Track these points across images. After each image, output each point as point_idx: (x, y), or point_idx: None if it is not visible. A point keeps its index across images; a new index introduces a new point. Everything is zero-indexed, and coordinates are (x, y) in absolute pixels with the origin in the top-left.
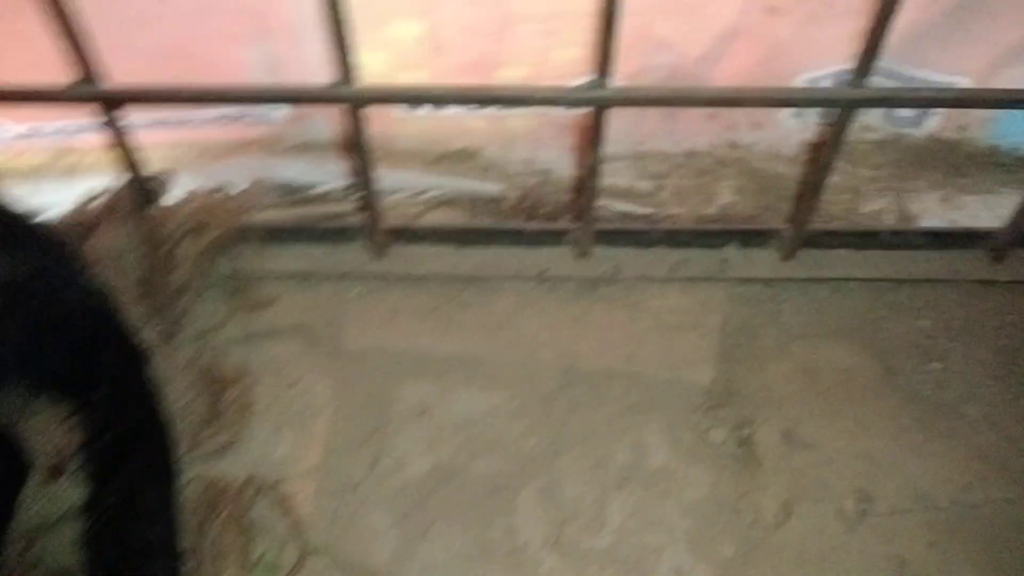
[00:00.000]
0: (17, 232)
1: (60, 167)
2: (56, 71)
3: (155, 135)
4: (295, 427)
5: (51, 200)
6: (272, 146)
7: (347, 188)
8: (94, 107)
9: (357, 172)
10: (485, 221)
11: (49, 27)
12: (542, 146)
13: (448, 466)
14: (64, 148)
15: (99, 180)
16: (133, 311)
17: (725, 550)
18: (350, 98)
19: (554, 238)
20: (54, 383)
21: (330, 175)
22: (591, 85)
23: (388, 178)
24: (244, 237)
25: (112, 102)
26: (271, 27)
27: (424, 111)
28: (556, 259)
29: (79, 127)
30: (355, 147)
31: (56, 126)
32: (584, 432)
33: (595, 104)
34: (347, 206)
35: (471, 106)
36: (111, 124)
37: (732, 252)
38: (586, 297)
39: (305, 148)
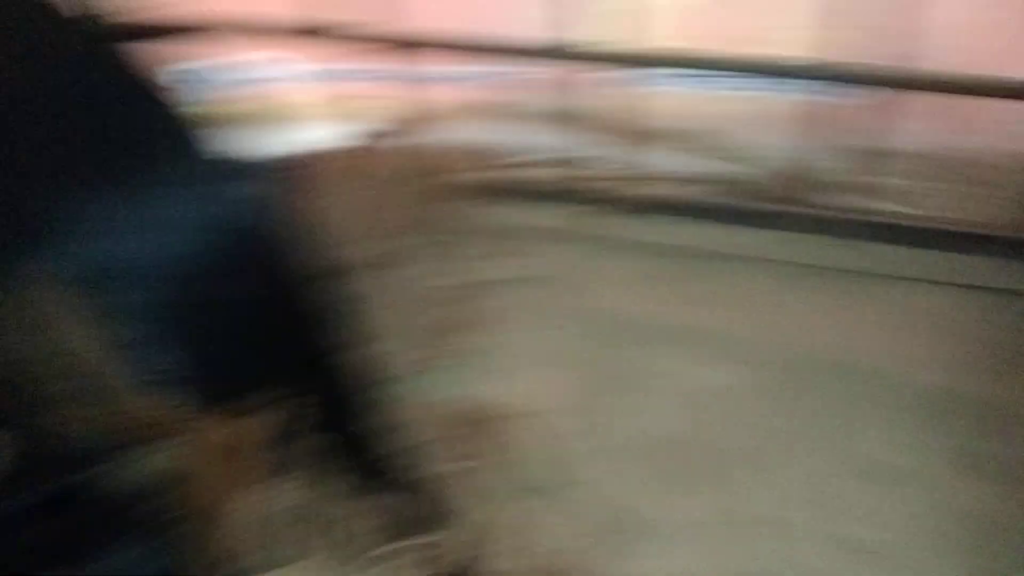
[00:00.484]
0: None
1: (332, 111)
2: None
3: (438, 88)
4: (544, 368)
5: (315, 138)
6: (535, 113)
7: (605, 159)
8: (390, 50)
9: (617, 147)
10: (735, 200)
11: None
12: (797, 133)
13: (692, 431)
14: (342, 93)
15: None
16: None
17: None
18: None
19: (806, 224)
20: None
21: (590, 146)
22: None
23: (645, 155)
24: (510, 191)
25: (407, 46)
26: None
27: (681, 88)
28: (806, 246)
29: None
30: (619, 124)
31: (341, 67)
32: (825, 418)
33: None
34: (602, 174)
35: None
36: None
37: (988, 259)
38: (833, 287)
39: (568, 118)
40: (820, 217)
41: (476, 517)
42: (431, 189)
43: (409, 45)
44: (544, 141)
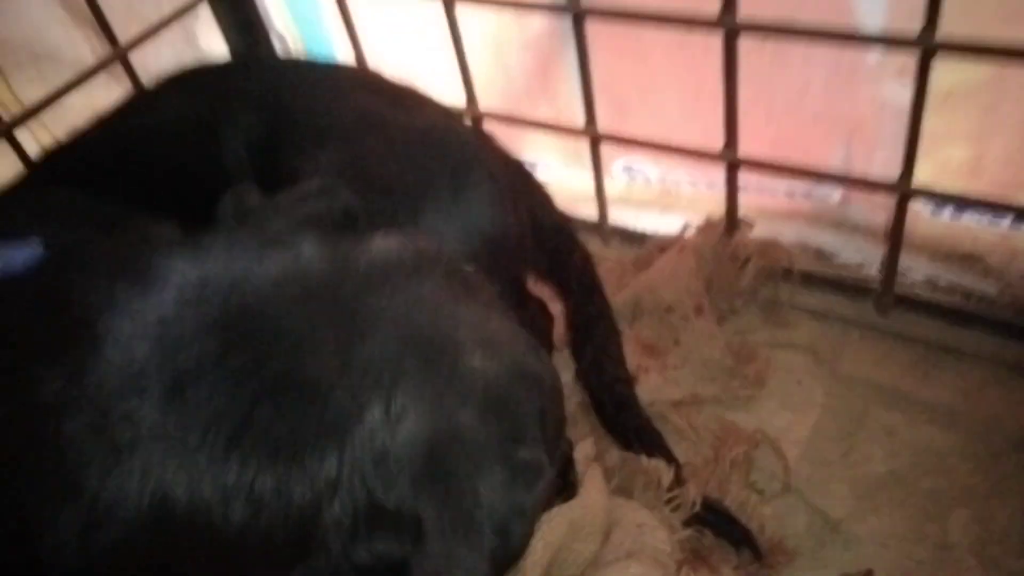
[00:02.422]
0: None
1: (661, 204)
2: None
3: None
4: (793, 410)
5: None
6: (819, 221)
7: (870, 262)
8: (721, 168)
9: (887, 258)
10: (975, 308)
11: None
12: None
13: (901, 473)
14: (671, 191)
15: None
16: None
17: None
18: (905, 191)
19: None
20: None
21: (859, 251)
22: None
23: (905, 262)
24: (783, 275)
25: (736, 166)
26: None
27: (947, 215)
28: None
29: (687, 179)
30: (892, 235)
31: (678, 174)
32: None
33: None
34: (866, 272)
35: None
36: (729, 183)
37: None
38: None
39: (845, 226)
40: None
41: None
42: (735, 269)
43: (743, 163)
44: (843, 246)
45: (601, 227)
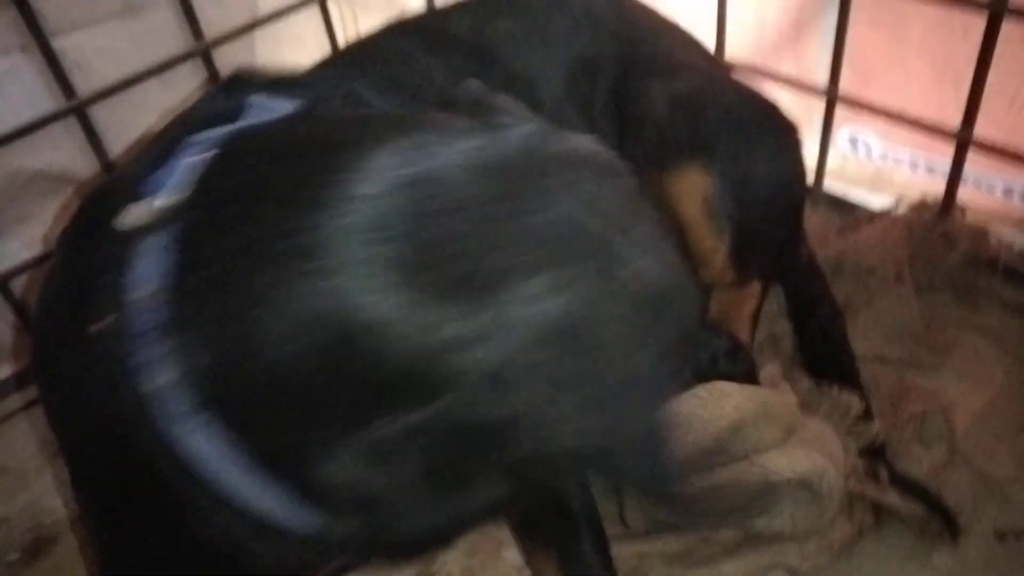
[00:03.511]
0: None
1: (875, 183)
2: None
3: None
4: (971, 384)
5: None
6: None
7: None
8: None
9: None
10: None
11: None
12: None
13: None
14: (886, 171)
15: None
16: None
17: None
18: None
19: None
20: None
21: None
22: None
23: None
24: (987, 264)
25: (967, 144)
26: None
27: None
28: None
29: (909, 160)
30: None
31: (901, 153)
32: None
33: None
34: None
35: None
36: (955, 162)
37: None
38: None
39: None
40: None
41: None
42: (943, 247)
43: (972, 145)
44: None
45: (815, 191)
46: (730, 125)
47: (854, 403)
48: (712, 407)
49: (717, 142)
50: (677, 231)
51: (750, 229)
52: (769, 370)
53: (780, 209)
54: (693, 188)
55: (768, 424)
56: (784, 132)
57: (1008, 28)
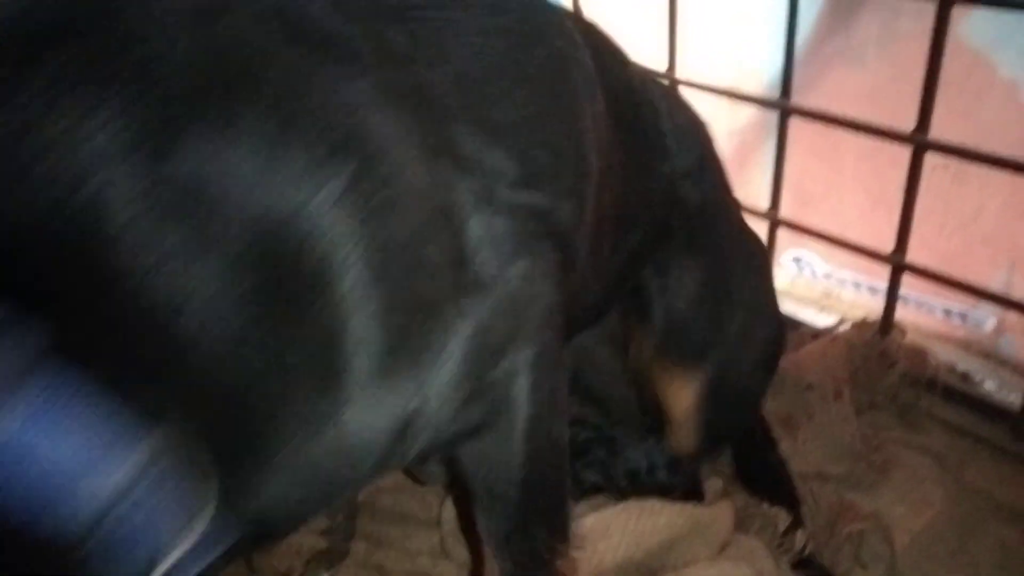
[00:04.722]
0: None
1: (821, 303)
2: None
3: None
4: (911, 505)
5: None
6: (970, 347)
7: (1015, 392)
8: (890, 272)
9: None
10: None
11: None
12: None
13: None
14: (830, 292)
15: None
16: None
17: None
18: None
19: None
20: None
21: (1005, 384)
22: None
23: None
24: (926, 385)
25: (901, 269)
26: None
27: None
28: None
29: (852, 281)
30: None
31: (841, 275)
32: None
33: None
34: (1009, 400)
35: None
36: (892, 289)
37: None
38: None
39: (995, 357)
40: None
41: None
42: (882, 367)
43: (906, 269)
44: (990, 374)
45: None
46: (740, 333)
47: (781, 516)
48: (643, 521)
49: (722, 351)
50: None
51: (727, 421)
52: (714, 484)
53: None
54: (686, 391)
55: (701, 541)
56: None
57: (934, 158)
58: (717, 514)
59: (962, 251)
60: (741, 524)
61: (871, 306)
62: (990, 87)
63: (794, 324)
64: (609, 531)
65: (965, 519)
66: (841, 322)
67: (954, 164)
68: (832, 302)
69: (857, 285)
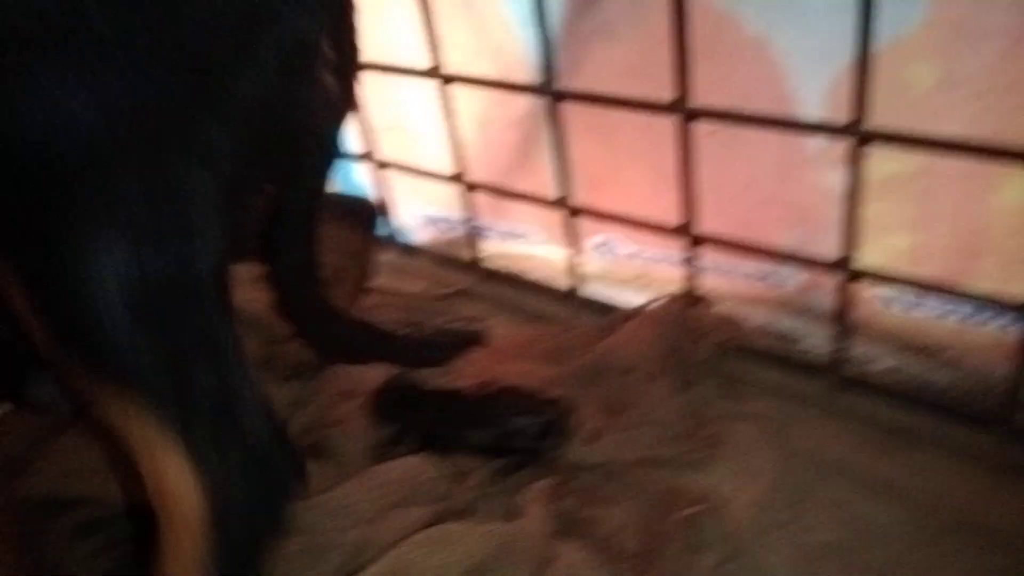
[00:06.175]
0: None
1: (636, 283)
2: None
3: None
4: (742, 477)
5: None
6: (781, 306)
7: (830, 346)
8: (685, 245)
9: (837, 338)
10: (928, 395)
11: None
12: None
13: (844, 544)
14: (643, 271)
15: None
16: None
17: None
18: (852, 273)
19: (986, 427)
20: None
21: (822, 338)
22: None
23: (868, 352)
24: (740, 352)
25: (692, 241)
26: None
27: (899, 309)
28: (985, 442)
29: (661, 257)
30: (838, 317)
31: (649, 253)
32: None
33: None
34: (821, 355)
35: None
36: (688, 261)
37: None
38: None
39: (805, 312)
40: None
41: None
42: (693, 342)
43: (701, 240)
44: (804, 331)
45: (571, 297)
46: None
47: (605, 517)
48: (440, 555)
49: None
50: None
51: None
52: (541, 486)
53: None
54: None
55: (512, 564)
56: None
57: (704, 126)
58: (528, 528)
59: (750, 216)
60: (564, 530)
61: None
62: (739, 47)
63: (609, 308)
64: (405, 572)
65: (797, 484)
66: (652, 300)
67: (723, 130)
68: (648, 281)
69: (662, 260)
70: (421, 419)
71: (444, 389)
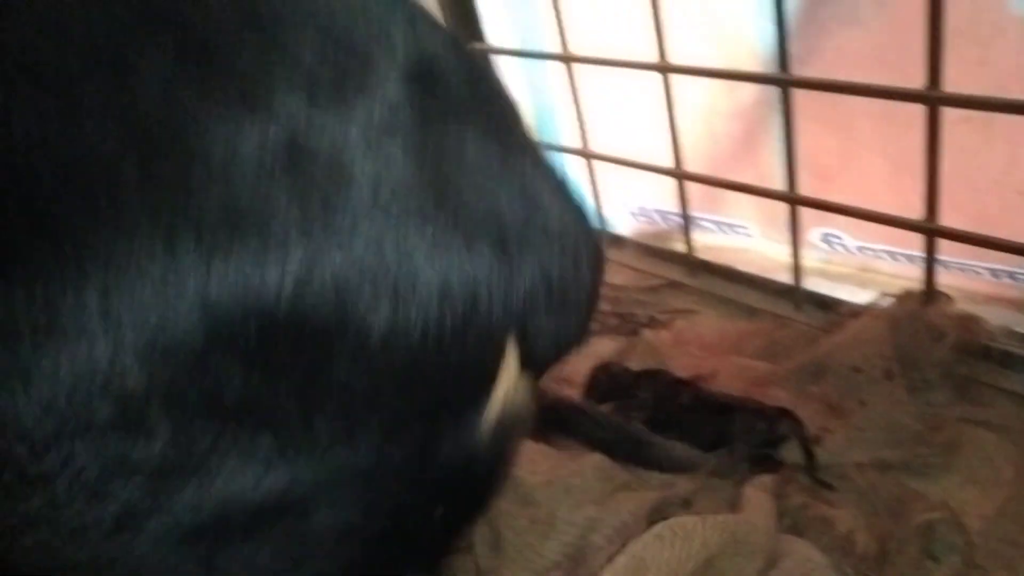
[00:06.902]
0: None
1: (857, 278)
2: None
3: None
4: (980, 486)
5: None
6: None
7: None
8: (924, 239)
9: None
10: None
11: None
12: None
13: None
14: (864, 265)
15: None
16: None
17: None
18: None
19: None
20: None
21: None
22: None
23: None
24: (982, 353)
25: (934, 235)
26: None
27: None
28: None
29: (886, 252)
30: None
31: (878, 246)
32: None
33: None
34: None
35: None
36: (927, 253)
37: None
38: None
39: None
40: None
41: None
42: (930, 341)
43: (940, 234)
44: None
45: (794, 291)
46: None
47: (838, 517)
48: (677, 547)
49: None
50: None
51: None
52: (762, 480)
53: None
54: None
55: (744, 556)
56: None
57: (953, 113)
58: (757, 522)
59: (1000, 207)
60: (795, 527)
61: (912, 276)
62: (1002, 28)
63: (832, 303)
64: (644, 567)
65: None
66: (882, 297)
67: (976, 116)
68: (871, 276)
69: (894, 255)
70: (639, 403)
71: (659, 375)
